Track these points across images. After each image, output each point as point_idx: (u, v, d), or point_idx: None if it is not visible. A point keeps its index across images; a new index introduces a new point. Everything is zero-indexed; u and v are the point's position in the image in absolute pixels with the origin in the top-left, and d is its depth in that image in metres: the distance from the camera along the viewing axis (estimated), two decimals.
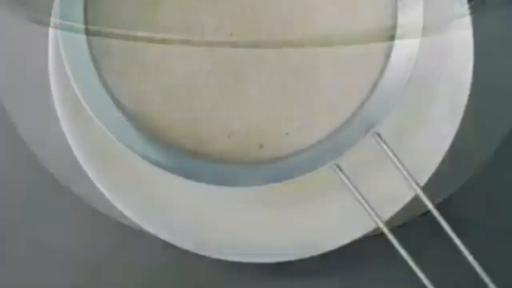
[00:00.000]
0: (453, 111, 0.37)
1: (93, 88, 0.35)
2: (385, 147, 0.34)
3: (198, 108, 0.36)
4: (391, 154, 0.34)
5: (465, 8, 0.34)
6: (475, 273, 0.34)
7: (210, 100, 0.36)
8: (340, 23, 0.36)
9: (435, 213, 0.34)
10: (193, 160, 0.35)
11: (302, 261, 0.37)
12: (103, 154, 0.37)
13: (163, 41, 0.36)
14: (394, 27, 0.35)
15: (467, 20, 0.37)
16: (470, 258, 0.34)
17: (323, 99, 0.36)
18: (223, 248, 0.37)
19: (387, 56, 0.35)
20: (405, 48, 0.35)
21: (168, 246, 0.37)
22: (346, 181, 0.34)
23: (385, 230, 0.34)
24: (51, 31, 0.37)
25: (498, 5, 0.38)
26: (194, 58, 0.36)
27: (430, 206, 0.34)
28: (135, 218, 0.37)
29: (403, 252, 0.34)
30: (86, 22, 0.35)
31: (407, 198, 0.36)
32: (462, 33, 0.37)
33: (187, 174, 0.35)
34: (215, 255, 0.37)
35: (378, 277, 0.41)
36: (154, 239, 0.37)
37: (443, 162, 0.37)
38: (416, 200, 0.35)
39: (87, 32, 0.35)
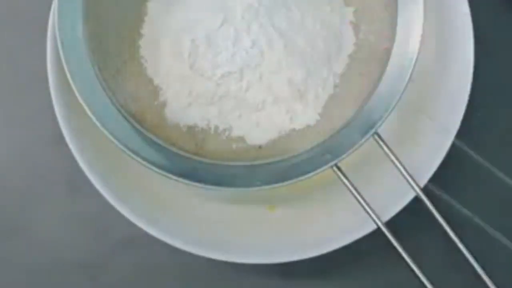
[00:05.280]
0: (453, 111, 0.37)
1: (91, 88, 0.34)
2: (384, 147, 0.34)
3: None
4: (391, 155, 0.34)
5: None
6: (475, 273, 0.34)
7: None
8: None
9: (435, 212, 0.34)
10: (191, 161, 0.35)
11: (302, 261, 0.37)
12: (102, 155, 0.37)
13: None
14: (394, 27, 0.35)
15: (467, 19, 0.37)
16: (470, 257, 0.34)
17: None
18: (224, 249, 0.37)
19: (387, 57, 0.35)
20: (405, 49, 0.34)
21: (167, 247, 0.37)
22: (346, 181, 0.34)
23: (385, 231, 0.34)
24: (49, 32, 0.37)
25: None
26: None
27: (430, 206, 0.34)
28: (136, 220, 0.37)
29: (403, 252, 0.34)
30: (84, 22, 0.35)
31: (407, 199, 0.36)
32: (462, 34, 0.37)
33: (186, 176, 0.34)
34: (215, 256, 0.37)
35: (378, 275, 0.41)
36: (154, 239, 0.37)
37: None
38: None
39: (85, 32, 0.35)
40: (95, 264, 0.41)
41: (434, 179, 0.37)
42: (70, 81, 0.34)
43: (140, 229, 0.37)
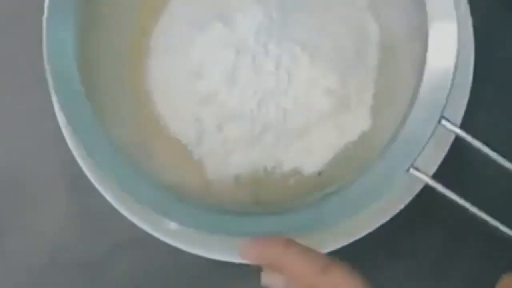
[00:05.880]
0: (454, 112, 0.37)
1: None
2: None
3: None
4: None
5: None
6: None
7: None
8: None
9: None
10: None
11: None
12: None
13: None
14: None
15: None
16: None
17: None
18: (224, 249, 0.37)
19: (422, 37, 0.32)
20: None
21: (167, 247, 0.37)
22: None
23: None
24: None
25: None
26: None
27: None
28: (136, 220, 0.37)
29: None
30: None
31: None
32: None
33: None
34: (215, 256, 0.37)
35: (378, 276, 0.41)
36: (154, 239, 0.37)
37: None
38: None
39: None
40: (95, 264, 0.41)
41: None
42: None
43: (140, 229, 0.37)
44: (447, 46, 0.31)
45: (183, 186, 0.32)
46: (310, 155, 0.33)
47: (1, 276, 0.41)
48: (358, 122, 0.33)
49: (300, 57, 0.33)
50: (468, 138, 0.31)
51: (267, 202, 0.33)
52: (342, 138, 0.33)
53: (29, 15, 0.42)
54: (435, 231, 0.41)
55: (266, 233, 0.30)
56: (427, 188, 0.36)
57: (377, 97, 0.34)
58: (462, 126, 0.36)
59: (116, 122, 0.32)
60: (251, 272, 0.39)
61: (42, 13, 0.36)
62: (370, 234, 0.36)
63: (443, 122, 0.31)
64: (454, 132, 0.31)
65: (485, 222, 0.31)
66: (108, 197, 0.37)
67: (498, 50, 0.41)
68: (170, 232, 0.37)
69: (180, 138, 0.34)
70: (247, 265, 0.37)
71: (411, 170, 0.30)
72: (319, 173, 0.33)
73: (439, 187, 0.31)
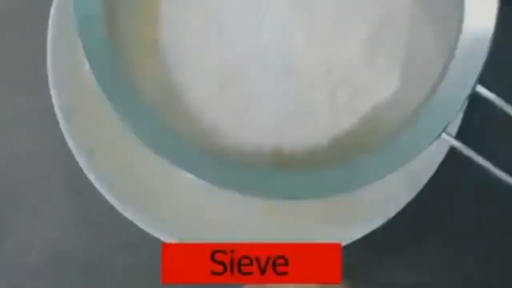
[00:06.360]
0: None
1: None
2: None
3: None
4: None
5: None
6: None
7: None
8: None
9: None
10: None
11: None
12: (102, 155, 0.37)
13: None
14: None
15: None
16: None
17: None
18: None
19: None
20: None
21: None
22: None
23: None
24: (49, 31, 0.37)
25: None
26: None
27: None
28: (136, 220, 0.37)
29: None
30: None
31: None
32: None
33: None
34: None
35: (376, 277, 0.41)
36: (155, 240, 0.37)
37: None
38: None
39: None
40: (95, 264, 0.41)
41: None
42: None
43: (140, 230, 0.37)
44: (485, 15, 0.30)
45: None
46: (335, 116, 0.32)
47: (1, 276, 0.41)
48: (386, 83, 0.32)
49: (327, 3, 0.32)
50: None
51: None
52: (369, 98, 0.32)
53: (30, 15, 0.42)
54: (436, 230, 0.41)
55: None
56: (427, 188, 0.37)
57: (408, 59, 0.32)
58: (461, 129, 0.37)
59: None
60: None
61: (43, 13, 0.37)
62: (369, 234, 0.36)
63: (478, 88, 0.30)
64: (489, 99, 0.30)
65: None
66: (108, 197, 0.37)
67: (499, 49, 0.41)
68: (171, 232, 0.37)
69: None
70: None
71: (443, 135, 0.30)
72: (345, 133, 0.32)
73: (471, 153, 0.30)
